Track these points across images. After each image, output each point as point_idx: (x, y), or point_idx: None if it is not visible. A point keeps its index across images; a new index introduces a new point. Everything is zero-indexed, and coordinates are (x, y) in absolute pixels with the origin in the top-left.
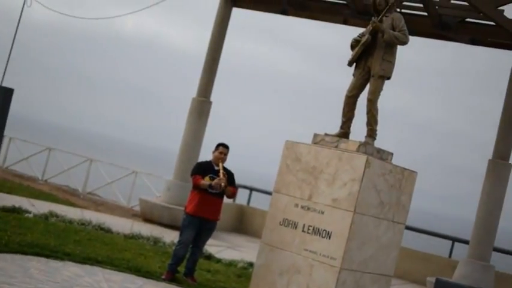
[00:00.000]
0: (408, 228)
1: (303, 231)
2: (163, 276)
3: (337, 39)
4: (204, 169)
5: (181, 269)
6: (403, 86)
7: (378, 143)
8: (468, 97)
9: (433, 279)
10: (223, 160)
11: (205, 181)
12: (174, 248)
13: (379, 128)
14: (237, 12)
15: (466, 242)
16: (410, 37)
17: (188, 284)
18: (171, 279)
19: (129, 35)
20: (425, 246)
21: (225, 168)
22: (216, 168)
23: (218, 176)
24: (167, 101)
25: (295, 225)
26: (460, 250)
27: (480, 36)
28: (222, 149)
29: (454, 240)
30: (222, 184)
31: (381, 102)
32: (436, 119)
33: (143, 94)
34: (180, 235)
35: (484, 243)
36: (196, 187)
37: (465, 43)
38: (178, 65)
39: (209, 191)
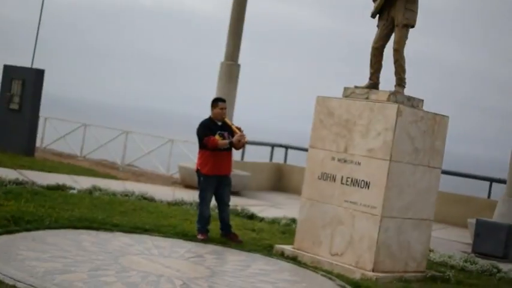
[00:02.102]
0: (446, 172)
1: (341, 183)
2: (201, 237)
3: None
4: (210, 128)
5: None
6: (425, 31)
7: (409, 91)
8: (488, 36)
9: (473, 220)
10: (225, 115)
11: (224, 140)
12: (199, 209)
13: (408, 76)
14: None
15: (504, 182)
16: None
17: (234, 242)
18: (208, 238)
19: (150, 5)
20: (464, 189)
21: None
22: (219, 123)
23: (224, 133)
24: (195, 68)
25: (333, 178)
26: (499, 190)
27: None
28: (222, 104)
29: (492, 180)
30: (246, 139)
31: (407, 50)
32: (461, 61)
33: (171, 64)
34: (201, 196)
35: None
36: (212, 148)
37: None
38: (204, 31)
39: (220, 148)
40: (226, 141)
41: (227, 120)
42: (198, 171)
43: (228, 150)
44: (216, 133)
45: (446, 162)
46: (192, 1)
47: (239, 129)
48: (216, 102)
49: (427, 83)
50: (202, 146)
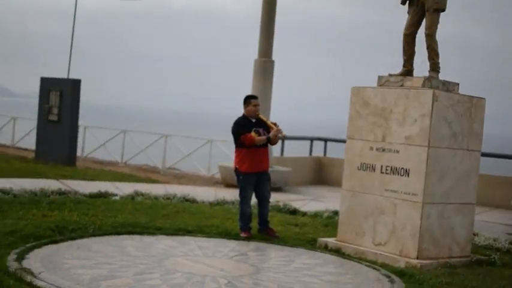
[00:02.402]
0: (487, 155)
1: (381, 172)
2: (244, 235)
3: None
4: (246, 126)
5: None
6: (457, 13)
7: (445, 75)
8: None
9: None
10: (258, 111)
11: (261, 136)
12: (240, 208)
13: (442, 60)
14: None
15: None
16: None
17: (271, 237)
18: (251, 235)
19: (182, 9)
20: (505, 171)
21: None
22: (253, 120)
23: (260, 130)
24: (231, 66)
25: (373, 168)
26: None
27: None
28: (255, 101)
29: None
30: (283, 132)
31: (440, 34)
32: (497, 43)
33: (207, 66)
34: (241, 194)
35: None
36: (249, 145)
37: None
38: (239, 30)
39: (258, 144)
40: (264, 137)
41: (261, 116)
42: (236, 169)
43: (264, 146)
44: (252, 130)
45: (484, 144)
46: (224, 1)
47: (275, 124)
48: (248, 99)
49: (464, 63)
50: (239, 144)
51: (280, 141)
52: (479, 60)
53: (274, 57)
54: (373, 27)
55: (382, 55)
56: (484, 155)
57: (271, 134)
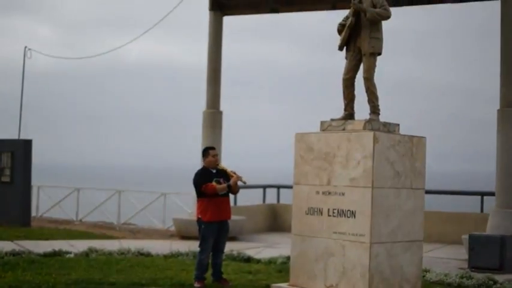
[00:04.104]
0: (439, 192)
1: (328, 215)
2: (198, 285)
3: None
4: (206, 176)
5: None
6: (409, 55)
7: (402, 116)
8: (470, 53)
9: (467, 236)
10: (218, 161)
11: (222, 185)
12: (198, 258)
13: (410, 102)
14: (229, 20)
15: (493, 194)
16: (398, 8)
17: (225, 287)
18: (205, 285)
19: (136, 62)
20: (461, 207)
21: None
22: (214, 171)
23: (220, 179)
24: (182, 118)
25: (320, 212)
26: (492, 203)
27: None
28: (213, 151)
29: (483, 194)
30: (243, 179)
31: (392, 76)
32: (448, 81)
33: (158, 119)
34: (202, 244)
35: (510, 190)
36: (210, 194)
37: (451, 2)
38: (187, 82)
39: (219, 193)
40: (224, 185)
41: (221, 165)
42: (199, 219)
43: (226, 195)
44: (213, 180)
45: (439, 182)
46: (173, 54)
47: (234, 172)
48: (207, 151)
49: (417, 104)
50: (201, 194)
51: None
52: (443, 100)
53: (223, 107)
54: (323, 72)
55: (337, 99)
56: (436, 192)
57: (231, 182)
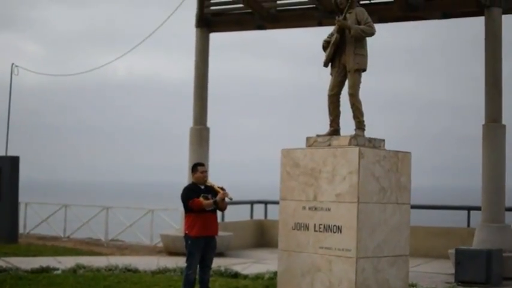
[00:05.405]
0: (425, 207)
1: (315, 230)
2: None
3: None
4: (194, 192)
5: None
6: (400, 71)
7: (392, 131)
8: (460, 69)
9: (453, 250)
10: (206, 177)
11: (208, 201)
12: (185, 274)
13: (401, 116)
14: (215, 36)
15: (480, 209)
16: (383, 25)
17: None
18: None
19: (124, 79)
20: (446, 221)
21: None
22: (202, 187)
23: (208, 195)
24: (171, 134)
25: (306, 227)
26: (478, 218)
27: (450, 9)
28: (202, 167)
29: (469, 209)
30: (229, 195)
31: (382, 92)
32: (439, 97)
33: (145, 134)
34: (188, 260)
35: (496, 205)
36: (197, 210)
37: (438, 19)
38: (176, 98)
39: (206, 209)
40: (211, 201)
41: (209, 182)
42: (186, 235)
43: (213, 211)
44: (200, 196)
45: (428, 197)
46: (163, 70)
47: (222, 188)
48: (195, 167)
49: (405, 120)
50: (188, 209)
51: None
52: (432, 116)
53: (210, 123)
54: (312, 88)
55: (325, 114)
56: (426, 207)
57: (217, 198)
